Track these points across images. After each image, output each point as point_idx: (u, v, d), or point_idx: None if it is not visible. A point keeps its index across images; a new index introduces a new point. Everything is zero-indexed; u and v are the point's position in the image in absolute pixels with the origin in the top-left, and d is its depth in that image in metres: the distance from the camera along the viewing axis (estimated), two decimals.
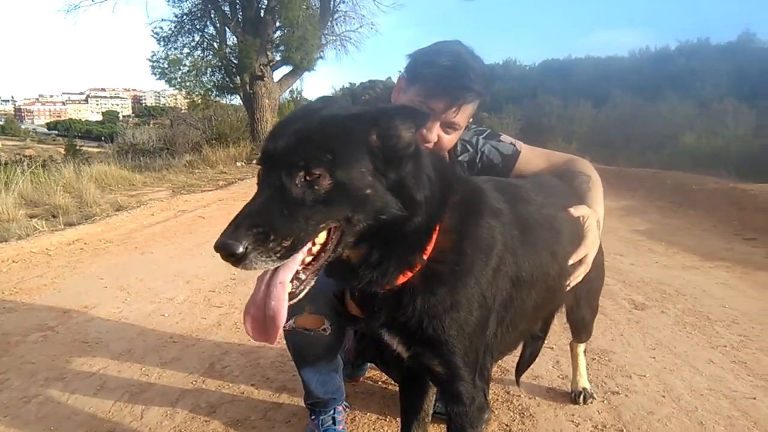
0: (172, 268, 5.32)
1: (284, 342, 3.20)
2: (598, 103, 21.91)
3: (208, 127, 20.40)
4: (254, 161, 16.94)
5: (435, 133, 2.10)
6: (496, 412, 2.63)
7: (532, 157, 2.40)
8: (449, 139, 2.18)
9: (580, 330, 2.62)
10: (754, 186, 7.55)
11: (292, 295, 1.33)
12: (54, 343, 3.50)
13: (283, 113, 29.30)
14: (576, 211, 2.03)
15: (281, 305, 1.31)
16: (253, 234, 1.19)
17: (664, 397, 2.74)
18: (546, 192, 2.01)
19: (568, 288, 2.00)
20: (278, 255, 1.22)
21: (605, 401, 2.72)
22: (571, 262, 1.93)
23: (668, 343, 3.39)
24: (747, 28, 27.10)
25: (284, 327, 2.14)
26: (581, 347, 2.74)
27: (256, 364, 3.18)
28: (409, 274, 1.47)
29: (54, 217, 7.83)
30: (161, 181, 12.88)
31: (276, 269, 1.30)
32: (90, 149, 31.15)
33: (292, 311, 2.10)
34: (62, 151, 30.30)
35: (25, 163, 10.92)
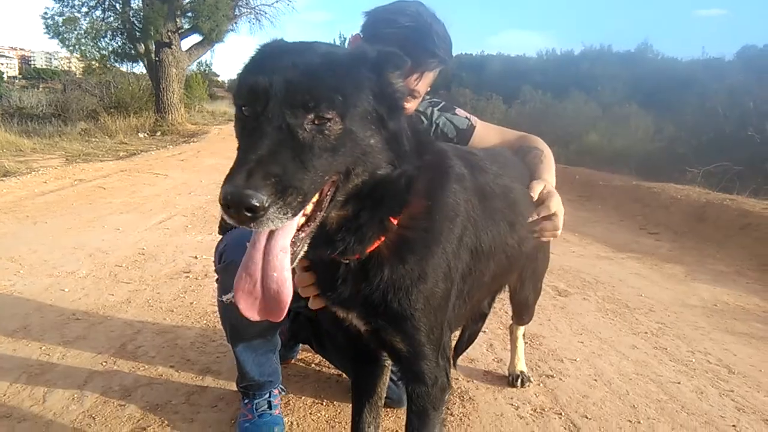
0: (71, 240, 4.83)
1: (205, 321, 2.98)
2: (509, 98, 22.60)
3: (106, 94, 18.99)
4: (158, 133, 16.05)
5: None
6: None
7: (485, 133, 2.33)
8: (408, 108, 2.04)
9: (523, 311, 2.59)
10: (656, 184, 8.00)
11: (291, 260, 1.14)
12: None
13: (191, 86, 27.95)
14: (532, 191, 1.95)
15: (284, 276, 1.11)
16: (272, 184, 0.98)
17: (596, 380, 2.78)
18: (500, 163, 1.91)
19: (539, 239, 1.98)
20: (293, 212, 1.03)
21: (541, 384, 2.71)
22: (534, 217, 1.89)
23: (593, 328, 3.47)
24: (645, 39, 28.91)
25: (219, 300, 1.94)
26: (521, 330, 2.71)
27: (174, 344, 2.91)
28: (381, 240, 1.32)
29: None
30: (53, 148, 11.87)
31: (272, 233, 1.10)
32: None
33: (232, 284, 1.90)
34: None
35: None
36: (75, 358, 2.71)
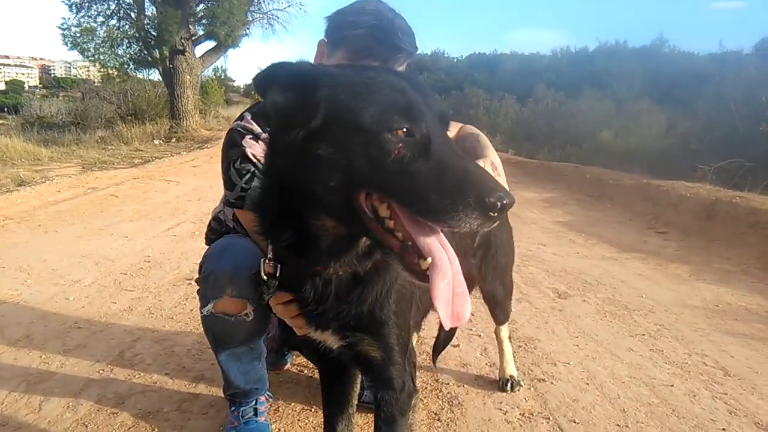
0: (79, 248, 4.93)
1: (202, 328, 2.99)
2: (522, 97, 22.50)
3: (124, 102, 19.29)
4: (173, 139, 16.24)
5: None
6: (425, 401, 2.56)
7: None
8: None
9: (495, 309, 2.63)
10: (666, 183, 7.91)
11: None
12: None
13: (207, 92, 28.25)
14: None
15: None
16: None
17: (588, 384, 2.77)
18: None
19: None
20: None
21: (532, 388, 2.72)
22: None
23: (590, 331, 3.46)
24: (660, 34, 28.59)
25: (201, 312, 1.98)
26: (504, 331, 2.72)
27: (171, 352, 2.97)
28: None
29: None
30: (70, 156, 12.08)
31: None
32: None
33: (212, 294, 1.94)
34: None
35: None
36: (73, 366, 2.78)
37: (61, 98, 29.83)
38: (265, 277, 1.42)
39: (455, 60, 37.60)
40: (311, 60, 1.99)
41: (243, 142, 2.00)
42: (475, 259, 2.27)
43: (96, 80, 29.00)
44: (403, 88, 1.17)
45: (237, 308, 1.94)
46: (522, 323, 3.51)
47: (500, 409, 2.52)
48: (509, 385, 2.67)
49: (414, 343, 2.76)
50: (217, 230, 2.26)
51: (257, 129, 2.03)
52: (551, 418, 2.45)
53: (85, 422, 2.29)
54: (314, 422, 2.35)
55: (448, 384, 2.73)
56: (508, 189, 1.90)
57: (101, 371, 2.73)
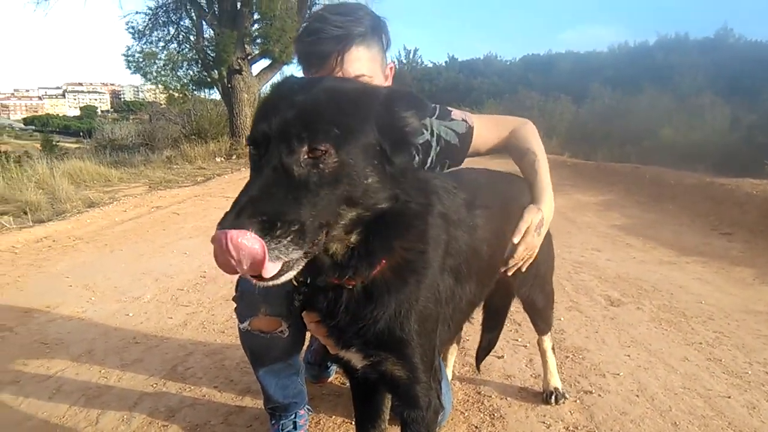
0: (141, 266, 5.17)
1: None
2: (578, 98, 21.95)
3: (188, 122, 20.10)
4: (233, 156, 16.81)
5: None
6: (466, 414, 2.55)
7: (484, 131, 2.26)
8: None
9: (537, 319, 2.59)
10: (731, 180, 7.55)
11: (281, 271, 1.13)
12: (11, 344, 3.37)
13: None
14: (517, 233, 2.00)
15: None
16: (258, 222, 1.04)
17: (638, 396, 2.68)
18: (478, 188, 1.91)
19: (508, 272, 2.02)
20: (289, 241, 1.08)
21: (578, 401, 2.65)
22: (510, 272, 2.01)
23: (643, 340, 3.34)
24: (725, 24, 27.34)
25: (239, 328, 2.04)
26: (547, 342, 2.66)
27: (221, 365, 3.07)
28: (383, 264, 1.36)
29: (25, 213, 7.60)
30: (138, 176, 12.65)
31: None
32: (68, 144, 30.71)
33: (247, 313, 2.01)
34: (38, 146, 29.71)
35: None
36: (130, 380, 2.92)
37: (131, 121, 31.28)
38: (296, 283, 1.44)
39: (508, 63, 37.18)
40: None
41: None
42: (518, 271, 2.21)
43: (162, 102, 30.29)
44: (276, 108, 1.20)
45: (271, 326, 2.00)
46: (570, 333, 3.43)
47: (543, 422, 2.47)
48: (553, 397, 2.61)
49: (455, 355, 2.77)
50: None
51: None
52: None
53: None
54: None
55: (490, 396, 2.70)
56: (539, 244, 2.07)
57: (155, 385, 2.86)
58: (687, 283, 4.47)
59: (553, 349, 2.70)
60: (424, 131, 2.20)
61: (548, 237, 2.47)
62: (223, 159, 16.80)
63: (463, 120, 2.24)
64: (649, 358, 3.09)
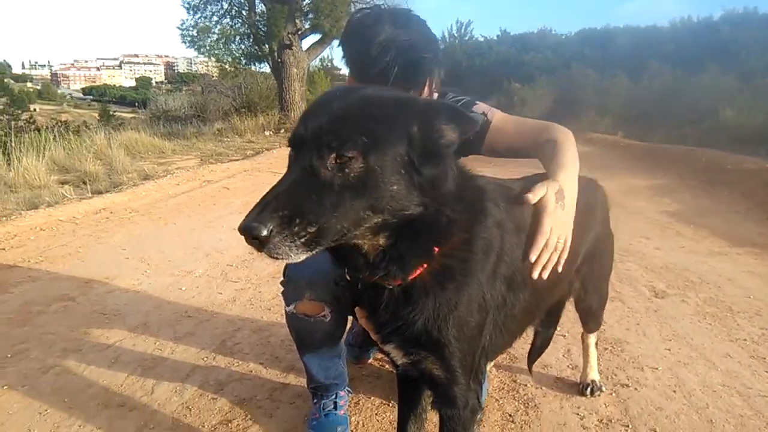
0: (193, 240, 5.39)
1: None
2: (636, 75, 21.17)
3: (238, 95, 20.44)
4: (282, 131, 17.03)
5: None
6: (501, 401, 2.61)
7: (502, 126, 2.19)
8: None
9: (589, 319, 2.59)
10: None
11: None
12: (74, 313, 3.59)
13: (314, 81, 29.30)
14: (532, 194, 1.73)
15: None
16: (279, 217, 1.15)
17: (674, 392, 2.68)
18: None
19: (536, 277, 1.76)
20: (303, 240, 1.18)
21: (614, 394, 2.67)
22: (532, 258, 1.71)
23: (686, 334, 3.31)
24: None
25: (285, 311, 2.15)
26: (592, 338, 2.69)
27: (267, 342, 3.21)
28: (423, 268, 1.43)
29: (84, 183, 7.97)
30: (190, 149, 13.00)
31: None
32: (123, 114, 31.71)
33: (293, 297, 2.11)
34: (96, 116, 30.81)
35: (56, 130, 11.05)
36: (182, 353, 3.09)
37: (183, 92, 31.99)
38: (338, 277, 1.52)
39: (563, 37, 36.01)
40: None
41: None
42: (579, 275, 2.22)
43: (213, 75, 30.83)
44: (314, 114, 1.32)
45: (315, 310, 2.10)
46: (611, 324, 3.43)
47: (577, 414, 2.51)
48: (590, 389, 2.64)
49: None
50: None
51: None
52: (630, 426, 2.41)
53: (189, 406, 2.57)
54: (391, 417, 2.48)
55: (526, 385, 2.75)
56: (569, 222, 1.82)
57: (205, 359, 3.02)
58: (736, 275, 4.37)
59: (596, 344, 2.72)
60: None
61: (611, 241, 2.45)
62: (271, 133, 17.05)
63: (483, 113, 2.19)
64: (690, 353, 3.07)
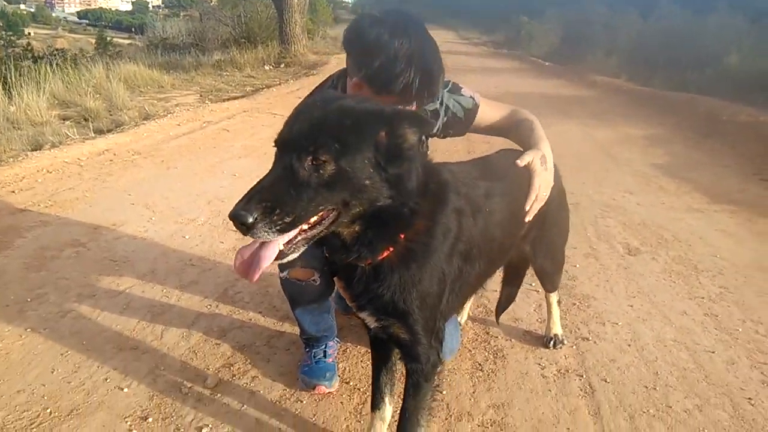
0: (195, 186, 5.59)
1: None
2: (646, 12, 20.68)
3: (238, 24, 20.10)
4: (282, 65, 16.88)
5: None
6: (473, 351, 2.93)
7: (487, 110, 2.57)
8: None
9: (545, 280, 2.90)
10: None
11: (282, 254, 1.55)
12: (86, 259, 3.87)
13: (316, 10, 28.71)
14: (521, 161, 2.28)
15: (268, 255, 1.54)
16: (262, 207, 1.43)
17: (629, 345, 3.00)
18: (495, 173, 2.23)
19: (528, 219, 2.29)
20: (279, 228, 1.46)
21: (574, 347, 2.99)
22: (527, 207, 2.25)
23: (650, 291, 3.60)
24: None
25: (280, 276, 2.43)
26: (554, 297, 2.98)
27: (266, 292, 3.50)
28: (390, 251, 1.72)
29: (85, 120, 8.11)
30: (190, 83, 12.98)
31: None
32: (120, 40, 31.08)
33: (286, 265, 2.38)
34: (93, 42, 30.27)
35: (54, 62, 11.05)
36: (188, 300, 3.39)
37: (181, 18, 31.27)
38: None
39: None
40: None
41: None
42: (527, 239, 2.54)
43: (212, 0, 30.03)
44: (297, 120, 1.60)
45: (306, 275, 2.39)
46: (582, 280, 3.71)
47: (539, 364, 2.83)
48: (552, 342, 2.95)
49: (470, 303, 3.11)
50: None
51: None
52: (584, 376, 2.73)
53: (195, 350, 2.88)
54: None
55: (497, 337, 3.06)
56: (551, 180, 2.35)
57: (209, 306, 3.33)
58: (708, 233, 4.62)
59: (558, 302, 3.02)
60: (435, 101, 2.43)
61: (565, 213, 2.74)
62: (271, 67, 16.89)
63: (471, 97, 2.53)
64: (650, 310, 3.37)
